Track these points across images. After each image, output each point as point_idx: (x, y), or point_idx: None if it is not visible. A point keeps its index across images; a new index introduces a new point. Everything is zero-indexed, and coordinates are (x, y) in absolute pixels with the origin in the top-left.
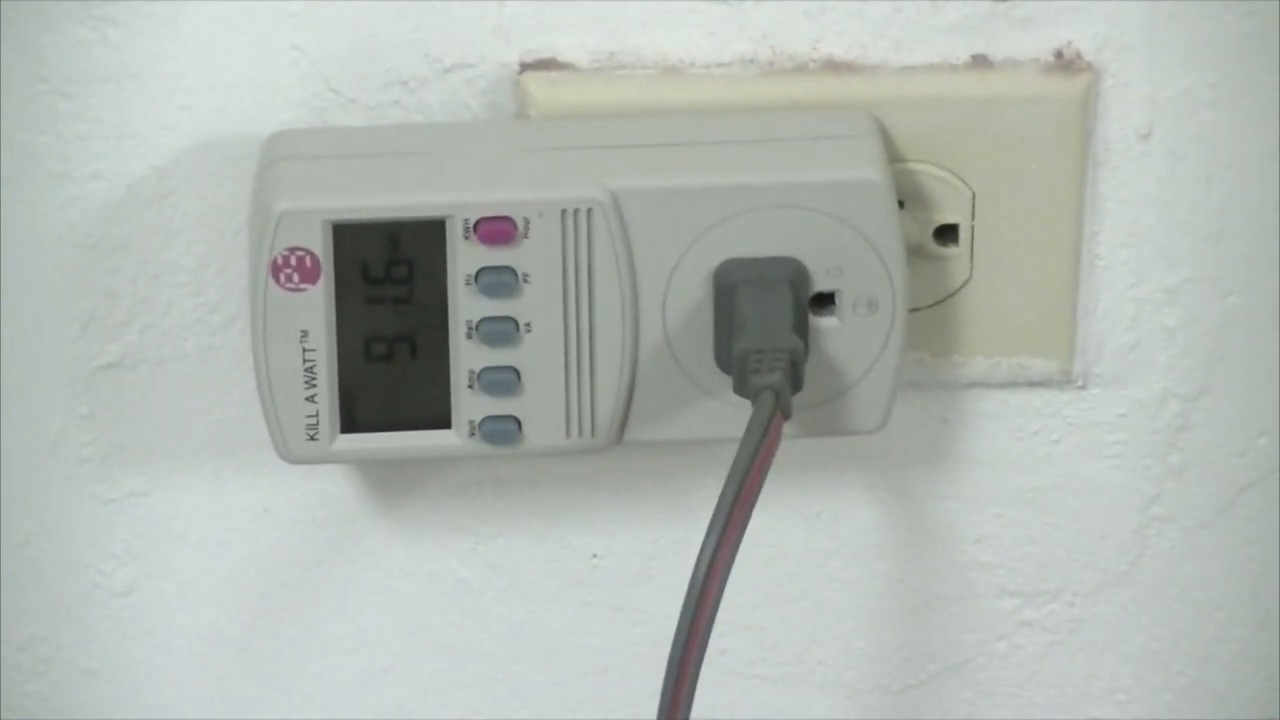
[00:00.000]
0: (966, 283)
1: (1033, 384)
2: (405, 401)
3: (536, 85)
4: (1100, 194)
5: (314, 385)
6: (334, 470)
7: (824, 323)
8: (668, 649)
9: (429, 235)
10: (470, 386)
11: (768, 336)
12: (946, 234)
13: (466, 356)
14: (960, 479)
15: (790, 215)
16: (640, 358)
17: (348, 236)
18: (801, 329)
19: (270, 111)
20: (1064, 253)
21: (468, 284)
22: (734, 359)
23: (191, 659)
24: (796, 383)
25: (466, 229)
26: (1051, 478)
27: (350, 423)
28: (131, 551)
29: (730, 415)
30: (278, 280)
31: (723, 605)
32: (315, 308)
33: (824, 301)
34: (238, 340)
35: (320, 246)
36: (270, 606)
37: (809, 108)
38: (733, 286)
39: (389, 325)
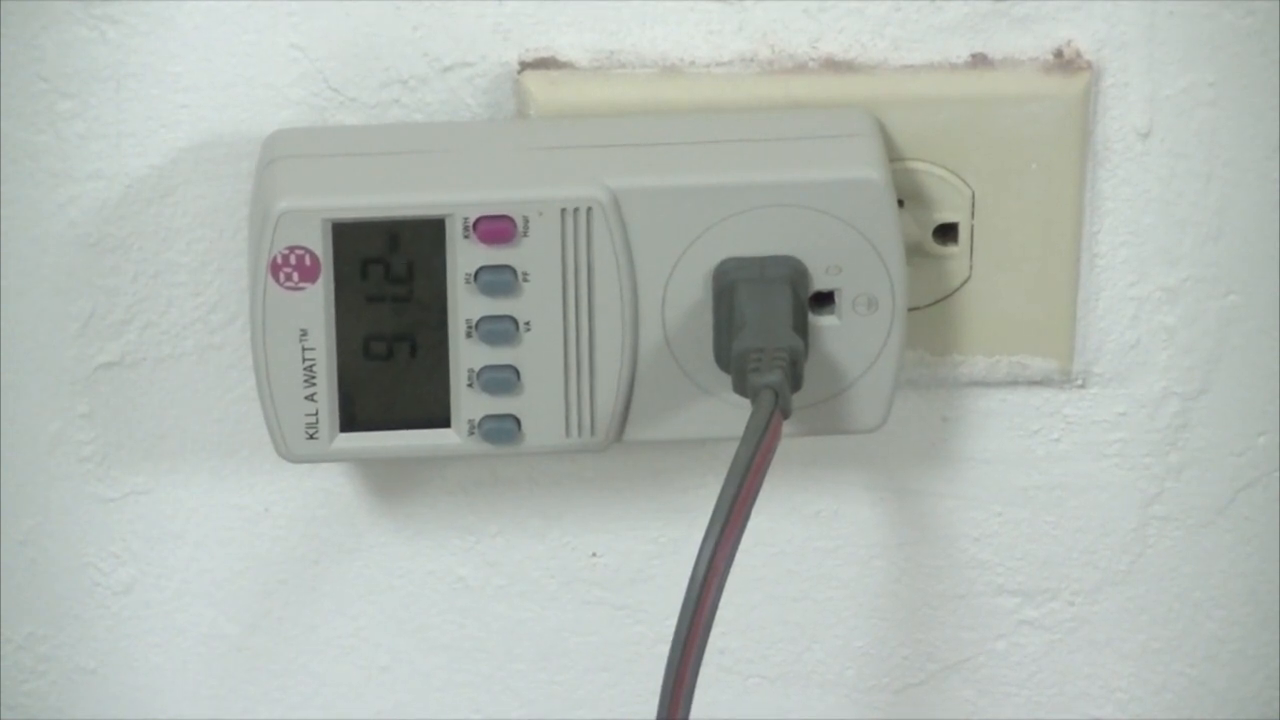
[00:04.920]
0: (966, 282)
1: (1032, 383)
2: (405, 400)
3: (536, 84)
4: (1100, 193)
5: (313, 384)
6: (334, 469)
7: (823, 321)
8: (667, 648)
9: (428, 234)
10: (470, 385)
11: (767, 335)
12: (946, 233)
13: (466, 355)
14: (960, 477)
15: (790, 214)
16: (640, 357)
17: (347, 235)
18: (801, 328)
19: (270, 110)
20: (1064, 252)
21: (467, 283)
22: (733, 358)
23: (191, 658)
24: (796, 381)
25: (466, 228)
26: (1051, 476)
27: (350, 421)
28: (131, 550)
29: (730, 414)
30: (277, 279)
31: (722, 604)
32: (315, 306)
33: (823, 300)
34: (237, 339)
35: (320, 245)
36: (270, 606)
37: (808, 106)
38: (732, 285)
39: (388, 324)
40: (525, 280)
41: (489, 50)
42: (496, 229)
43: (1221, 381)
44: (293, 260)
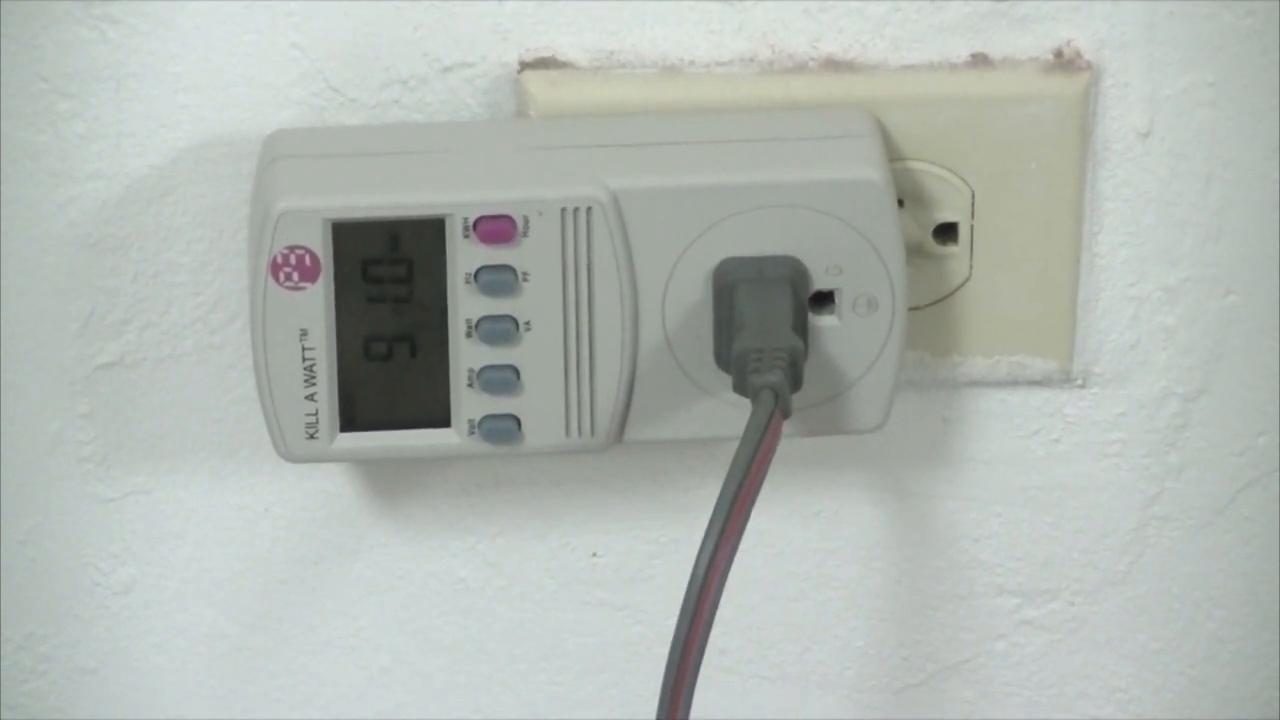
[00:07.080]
0: (966, 282)
1: (1032, 383)
2: (405, 400)
3: (536, 84)
4: (1100, 193)
5: (313, 384)
6: (334, 470)
7: (823, 322)
8: (667, 648)
9: (428, 234)
10: (470, 385)
11: (767, 335)
12: (946, 233)
13: (466, 355)
14: (960, 478)
15: (790, 214)
16: (640, 357)
17: (347, 235)
18: (801, 328)
19: (270, 110)
20: (1063, 252)
21: (467, 283)
22: (733, 358)
23: (191, 658)
24: (796, 382)
25: (466, 228)
26: (1051, 477)
27: (350, 421)
28: (131, 550)
29: (730, 414)
30: (277, 279)
31: (722, 604)
32: (315, 306)
33: (823, 300)
34: (237, 339)
35: (320, 245)
36: (270, 606)
37: (808, 107)
38: (732, 285)
39: (388, 324)
40: (525, 280)
41: (489, 50)
42: (496, 229)
43: (1221, 381)
44: (293, 260)
